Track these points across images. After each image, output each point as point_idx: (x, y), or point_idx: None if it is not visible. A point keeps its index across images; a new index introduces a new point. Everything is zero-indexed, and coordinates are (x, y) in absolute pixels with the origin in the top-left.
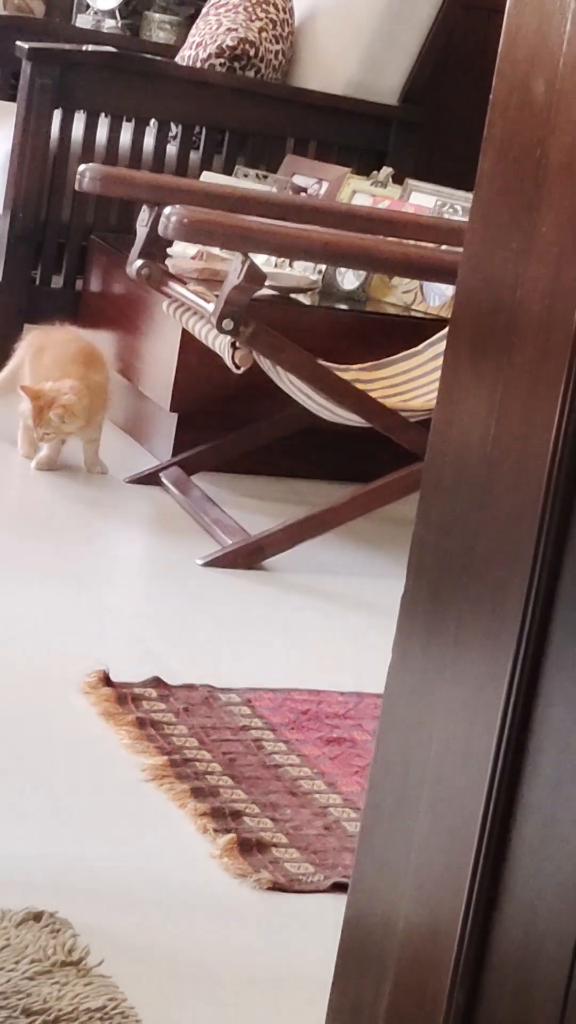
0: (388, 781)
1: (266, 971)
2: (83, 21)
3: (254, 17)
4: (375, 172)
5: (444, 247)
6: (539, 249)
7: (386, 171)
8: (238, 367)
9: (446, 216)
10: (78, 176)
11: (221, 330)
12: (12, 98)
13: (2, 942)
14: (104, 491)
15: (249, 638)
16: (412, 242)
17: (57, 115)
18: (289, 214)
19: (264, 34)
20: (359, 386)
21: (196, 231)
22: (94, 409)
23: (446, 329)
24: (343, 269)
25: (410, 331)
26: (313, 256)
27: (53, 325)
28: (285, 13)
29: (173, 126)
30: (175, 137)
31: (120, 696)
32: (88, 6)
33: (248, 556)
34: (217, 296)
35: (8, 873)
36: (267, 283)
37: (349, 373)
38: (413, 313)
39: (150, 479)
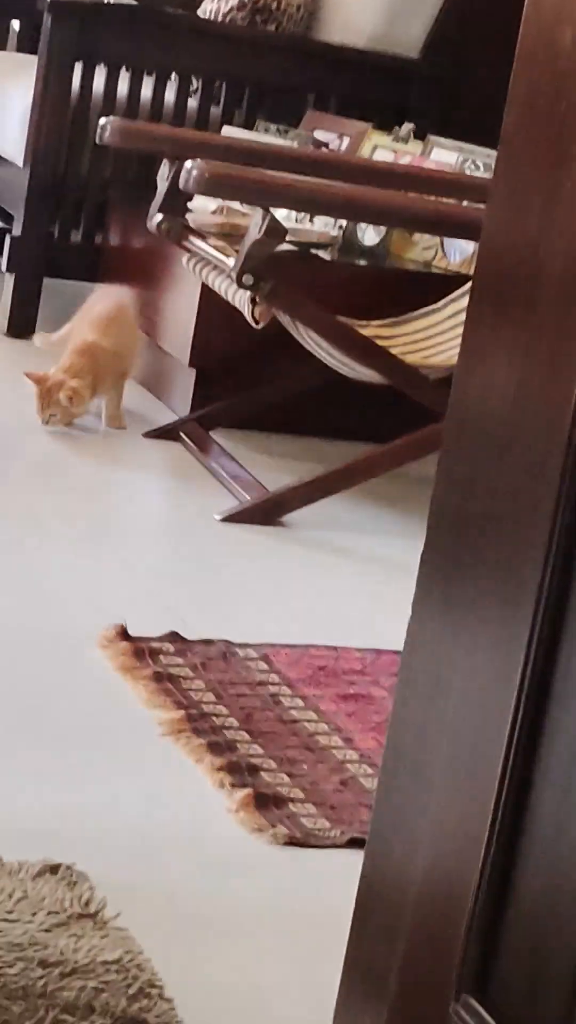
0: (406, 737)
1: (282, 926)
2: None
3: None
4: (396, 128)
5: (465, 203)
6: (564, 205)
7: (407, 127)
8: (257, 322)
9: (467, 172)
10: (99, 129)
11: (241, 285)
12: (33, 51)
13: (19, 894)
14: (122, 446)
15: (267, 593)
16: (433, 198)
17: (78, 68)
18: (310, 169)
19: None
20: (379, 343)
21: (217, 185)
22: (120, 370)
23: (466, 286)
24: (363, 224)
25: (430, 287)
26: (334, 211)
27: (114, 285)
28: None
29: (194, 80)
30: (196, 91)
31: (137, 650)
32: None
33: (266, 512)
34: (237, 251)
35: (25, 826)
36: (287, 238)
37: (369, 329)
38: (433, 269)
39: (168, 434)
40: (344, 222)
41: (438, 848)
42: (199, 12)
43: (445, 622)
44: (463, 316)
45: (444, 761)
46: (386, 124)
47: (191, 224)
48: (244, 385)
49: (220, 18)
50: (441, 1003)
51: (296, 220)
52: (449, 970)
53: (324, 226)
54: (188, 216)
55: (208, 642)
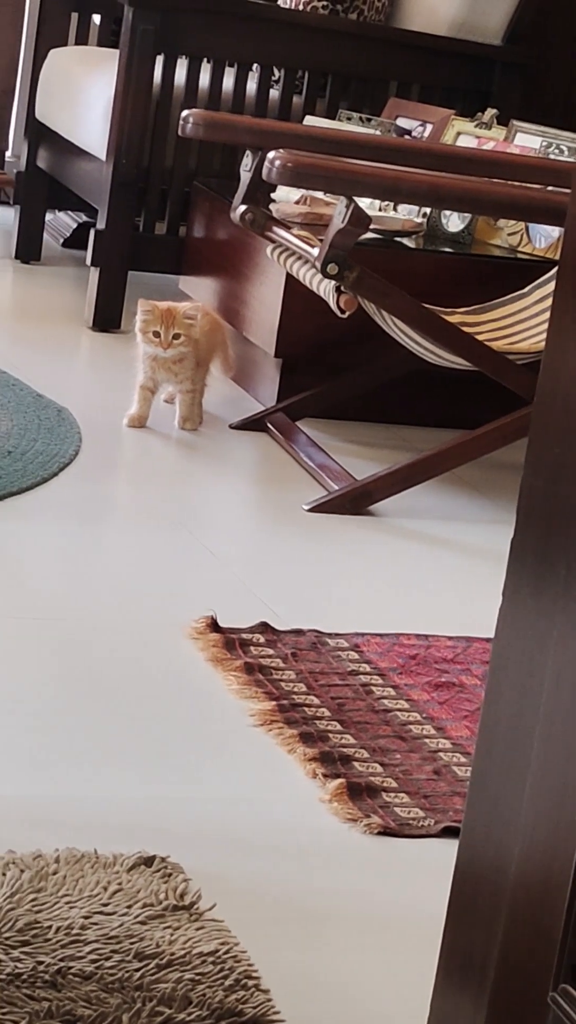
0: (500, 725)
1: (377, 915)
2: None
3: None
4: (479, 114)
5: (551, 188)
6: None
7: (490, 112)
8: (343, 312)
9: (552, 156)
10: (181, 121)
11: (325, 274)
12: (115, 45)
13: (114, 887)
14: (209, 437)
15: (356, 583)
16: (517, 183)
17: (159, 61)
18: (393, 157)
19: None
20: (465, 330)
21: (300, 175)
22: (208, 356)
23: (553, 271)
24: (448, 212)
25: (516, 273)
26: (418, 199)
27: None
28: None
29: (275, 70)
30: (277, 81)
31: (228, 641)
32: None
33: (354, 501)
34: (321, 240)
35: (119, 818)
36: (372, 227)
37: (455, 317)
38: (519, 255)
39: (255, 425)
40: (428, 210)
41: (534, 835)
42: (280, 2)
43: (536, 608)
44: (550, 301)
45: (538, 747)
46: (469, 110)
47: (275, 214)
48: (330, 375)
49: (301, 8)
50: (539, 992)
51: (380, 209)
52: (548, 959)
53: (408, 214)
54: (272, 206)
55: (298, 632)
